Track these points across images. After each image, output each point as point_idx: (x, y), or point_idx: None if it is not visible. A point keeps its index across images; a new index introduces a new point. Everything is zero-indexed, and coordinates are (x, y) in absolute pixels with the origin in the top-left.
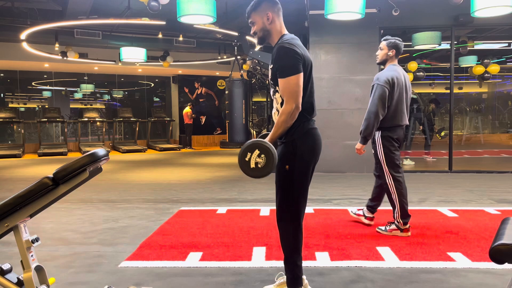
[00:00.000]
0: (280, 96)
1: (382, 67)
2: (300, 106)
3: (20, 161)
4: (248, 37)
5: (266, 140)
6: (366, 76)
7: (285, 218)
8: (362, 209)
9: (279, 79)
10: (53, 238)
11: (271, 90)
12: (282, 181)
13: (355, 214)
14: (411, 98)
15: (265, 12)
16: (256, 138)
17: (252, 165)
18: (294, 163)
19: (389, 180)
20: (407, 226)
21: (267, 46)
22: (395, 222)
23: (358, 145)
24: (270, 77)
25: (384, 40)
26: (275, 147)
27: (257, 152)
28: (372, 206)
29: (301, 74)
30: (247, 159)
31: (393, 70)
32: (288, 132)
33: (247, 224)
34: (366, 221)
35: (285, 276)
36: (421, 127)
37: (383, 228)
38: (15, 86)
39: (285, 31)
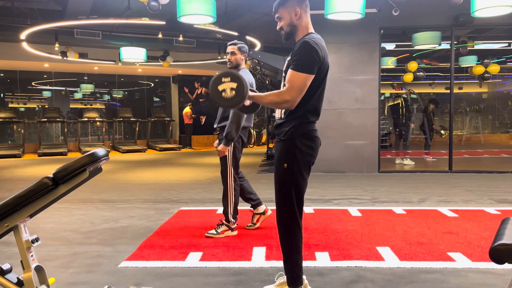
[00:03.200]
0: (284, 84)
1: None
2: (295, 104)
3: (20, 161)
4: (248, 37)
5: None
6: (366, 76)
7: (284, 217)
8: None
9: (290, 69)
10: (53, 238)
11: (282, 83)
12: (281, 179)
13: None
14: (410, 98)
15: (293, 7)
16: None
17: (221, 94)
18: (292, 161)
19: (231, 181)
20: (236, 225)
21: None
22: (224, 223)
23: (223, 147)
24: (284, 69)
25: (234, 44)
26: (254, 105)
27: (233, 85)
28: (253, 205)
29: (312, 76)
30: (220, 88)
31: (249, 74)
32: (287, 131)
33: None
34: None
35: (285, 276)
36: (412, 125)
37: (213, 231)
38: (15, 86)
39: (312, 29)
